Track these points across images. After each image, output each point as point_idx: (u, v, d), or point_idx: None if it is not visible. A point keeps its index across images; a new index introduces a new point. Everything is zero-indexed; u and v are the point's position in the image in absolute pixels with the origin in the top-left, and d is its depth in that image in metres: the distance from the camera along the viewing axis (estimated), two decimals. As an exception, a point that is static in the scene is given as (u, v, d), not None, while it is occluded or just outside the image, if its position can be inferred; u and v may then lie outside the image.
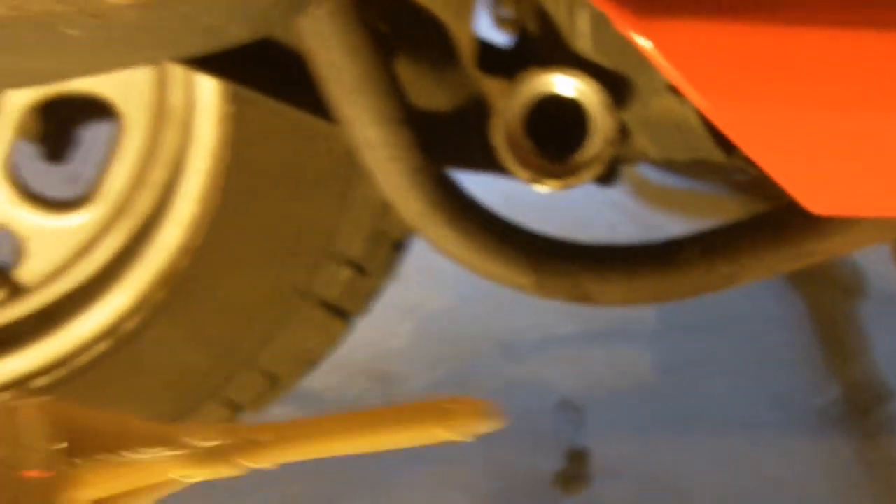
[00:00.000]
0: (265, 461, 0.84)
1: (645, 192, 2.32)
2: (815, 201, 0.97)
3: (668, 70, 0.90)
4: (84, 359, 1.42)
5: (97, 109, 1.55)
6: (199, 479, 0.83)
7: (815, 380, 1.88)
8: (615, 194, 2.27)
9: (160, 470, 0.82)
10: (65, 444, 0.80)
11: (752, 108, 0.92)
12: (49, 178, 1.51)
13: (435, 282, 2.10)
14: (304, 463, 1.71)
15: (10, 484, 0.79)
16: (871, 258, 2.06)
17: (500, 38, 1.29)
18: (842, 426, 1.79)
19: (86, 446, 0.81)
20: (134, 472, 0.82)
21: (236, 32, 0.82)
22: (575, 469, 1.73)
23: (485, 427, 0.88)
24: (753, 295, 1.98)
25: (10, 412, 0.81)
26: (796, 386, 1.87)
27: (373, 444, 0.88)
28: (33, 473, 0.79)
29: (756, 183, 1.98)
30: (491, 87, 1.12)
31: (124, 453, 0.81)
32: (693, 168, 2.19)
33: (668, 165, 1.18)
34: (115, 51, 0.82)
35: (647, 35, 0.90)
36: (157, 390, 1.44)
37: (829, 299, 2.04)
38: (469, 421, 0.88)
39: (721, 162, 1.09)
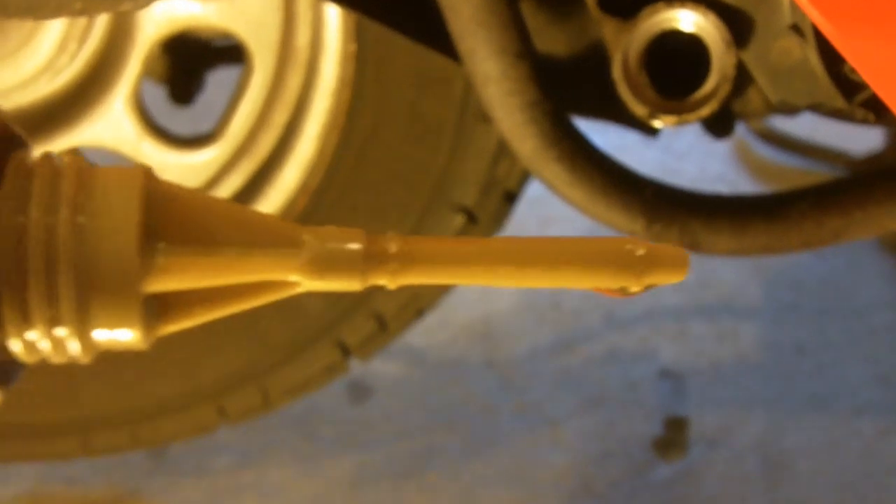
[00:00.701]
0: (394, 276, 0.77)
1: (754, 168, 2.32)
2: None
3: (796, -3, 0.90)
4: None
5: (221, 54, 1.58)
6: (310, 287, 0.77)
7: (921, 361, 1.87)
8: (723, 168, 2.28)
9: (264, 269, 0.75)
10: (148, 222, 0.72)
11: (879, 34, 0.92)
12: (173, 119, 1.54)
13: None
14: (402, 418, 1.75)
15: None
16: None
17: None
18: (945, 407, 1.78)
19: (176, 231, 0.74)
20: (237, 269, 0.75)
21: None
22: (673, 436, 1.74)
23: (670, 279, 0.79)
24: (860, 275, 1.98)
25: (89, 174, 0.74)
26: (902, 367, 1.86)
27: (531, 276, 0.79)
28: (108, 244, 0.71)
29: (869, 160, 1.98)
30: (611, 28, 1.13)
31: (222, 244, 0.74)
32: (805, 147, 2.19)
33: (786, 111, 1.17)
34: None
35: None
36: (272, 328, 1.47)
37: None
38: (660, 270, 0.78)
39: (840, 108, 1.09)
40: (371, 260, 0.76)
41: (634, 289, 0.78)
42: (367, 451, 1.72)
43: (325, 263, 0.75)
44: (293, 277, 0.76)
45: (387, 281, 0.77)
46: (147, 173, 0.75)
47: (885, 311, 1.97)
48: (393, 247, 0.76)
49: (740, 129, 2.26)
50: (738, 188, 2.25)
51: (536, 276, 0.78)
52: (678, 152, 2.37)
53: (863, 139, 2.14)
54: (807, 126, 2.05)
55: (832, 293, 2.02)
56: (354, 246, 0.76)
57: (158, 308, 0.75)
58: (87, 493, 1.66)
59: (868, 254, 2.08)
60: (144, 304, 0.73)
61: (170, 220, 0.74)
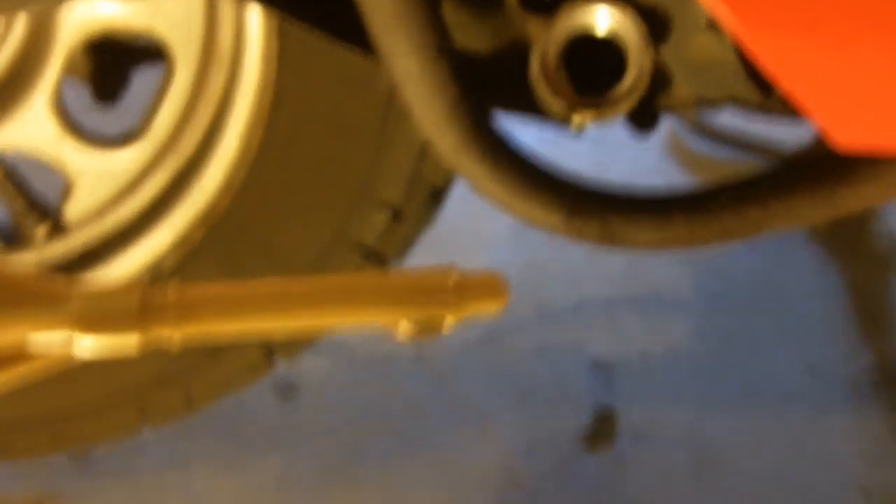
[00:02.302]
0: (176, 326, 0.71)
1: (687, 161, 2.33)
2: (842, 135, 0.98)
3: (704, -4, 0.91)
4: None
5: (144, 52, 1.57)
6: (86, 352, 0.71)
7: (848, 351, 1.89)
8: (656, 161, 2.29)
9: (34, 327, 0.69)
10: None
11: (786, 33, 0.93)
12: (96, 119, 1.53)
13: (474, 243, 2.12)
14: (329, 415, 1.74)
15: None
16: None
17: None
18: (874, 397, 1.80)
19: None
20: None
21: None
22: (601, 428, 1.75)
23: (487, 309, 0.74)
24: (790, 267, 1.99)
25: None
26: (830, 356, 1.88)
27: (334, 314, 0.74)
28: None
29: (801, 152, 2.00)
30: (531, 24, 1.13)
31: None
32: (738, 139, 2.21)
33: (707, 106, 1.18)
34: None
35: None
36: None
37: (865, 271, 2.05)
38: (472, 301, 0.74)
39: (757, 102, 1.10)
40: (148, 310, 0.71)
41: (449, 321, 0.74)
42: (294, 450, 1.72)
43: (96, 316, 0.70)
44: (65, 334, 0.70)
45: (169, 331, 0.71)
46: None
47: (814, 301, 1.99)
48: (171, 294, 0.72)
49: (673, 123, 2.27)
50: (672, 181, 2.26)
51: (341, 313, 0.74)
52: (611, 145, 2.37)
53: (795, 130, 2.15)
54: (740, 118, 2.06)
55: (761, 284, 2.04)
56: (128, 297, 0.71)
57: None
58: (8, 497, 1.64)
59: (797, 245, 2.10)
60: None
61: None
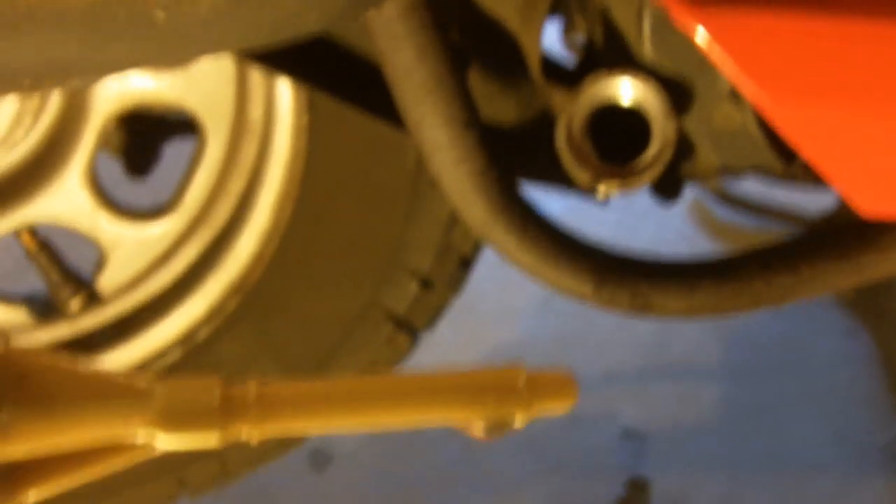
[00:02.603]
0: (256, 425, 0.71)
1: (712, 229, 2.34)
2: (866, 204, 0.99)
3: (724, 66, 0.92)
4: (157, 367, 1.45)
5: (176, 126, 1.60)
6: (167, 445, 0.71)
7: (879, 419, 1.88)
8: (682, 227, 2.29)
9: (115, 425, 0.70)
10: None
11: (810, 104, 0.94)
12: (129, 192, 1.55)
13: (505, 315, 2.13)
14: (362, 486, 1.75)
15: None
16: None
17: (569, 58, 1.32)
18: (905, 465, 1.79)
19: (16, 393, 0.69)
20: (80, 425, 0.69)
21: (314, 20, 0.85)
22: (634, 498, 1.74)
23: (558, 408, 0.75)
24: (818, 333, 1.99)
25: None
26: (861, 424, 1.87)
27: (409, 413, 0.74)
28: None
29: (824, 220, 2.00)
30: (556, 96, 1.15)
31: (69, 403, 0.69)
32: (761, 207, 2.21)
33: (730, 174, 1.19)
34: (194, 37, 0.85)
35: (705, 28, 0.93)
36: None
37: (894, 337, 2.04)
38: (543, 400, 0.75)
39: (779, 171, 1.11)
40: (229, 407, 0.71)
41: (518, 423, 0.74)
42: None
43: (178, 415, 0.70)
44: (145, 433, 0.70)
45: (248, 432, 0.72)
46: None
47: (843, 367, 1.98)
48: (251, 392, 0.71)
49: (697, 191, 2.28)
50: (697, 247, 2.27)
51: (415, 412, 0.74)
52: (637, 212, 2.38)
53: (818, 198, 2.16)
54: (763, 186, 2.07)
55: (790, 351, 2.04)
56: (210, 394, 0.71)
57: (10, 478, 0.71)
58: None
59: (825, 311, 2.10)
60: None
61: (12, 385, 0.69)
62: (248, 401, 0.71)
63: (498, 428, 0.75)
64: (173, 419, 0.70)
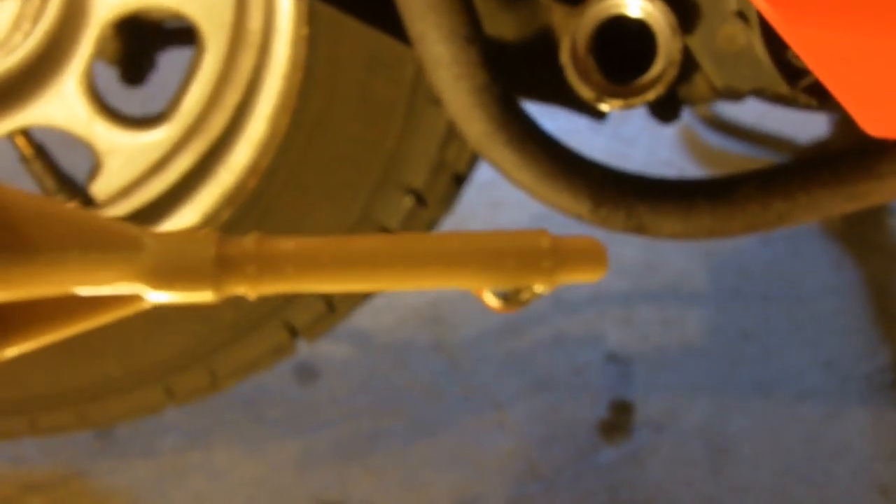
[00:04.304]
0: (254, 282, 0.66)
1: (701, 155, 2.34)
2: (873, 122, 0.99)
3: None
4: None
5: (173, 36, 1.59)
6: (158, 299, 0.66)
7: (865, 347, 1.89)
8: (671, 154, 2.30)
9: (96, 276, 0.65)
10: None
11: (820, 21, 0.93)
12: (124, 100, 1.54)
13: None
14: (348, 400, 1.76)
15: None
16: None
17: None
18: (889, 392, 1.80)
19: (4, 238, 0.64)
20: (62, 273, 0.64)
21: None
22: (618, 420, 1.75)
23: (584, 277, 0.69)
24: (806, 261, 2.00)
25: None
26: (846, 352, 1.88)
27: (419, 276, 0.68)
28: None
29: (815, 148, 2.01)
30: (560, 13, 1.15)
31: (53, 248, 0.64)
32: (751, 134, 2.22)
33: (731, 96, 1.19)
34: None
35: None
36: (219, 309, 1.47)
37: (882, 267, 2.05)
38: (568, 267, 0.68)
39: (784, 93, 1.11)
40: (225, 263, 0.66)
41: (539, 289, 0.70)
42: (313, 433, 1.73)
43: (171, 268, 0.65)
44: (135, 286, 0.66)
45: (246, 288, 0.67)
46: None
47: (829, 296, 1.99)
48: (250, 246, 0.67)
49: (687, 116, 2.28)
50: (686, 173, 2.27)
51: (425, 276, 0.69)
52: (626, 138, 2.38)
53: (808, 126, 2.16)
54: (753, 113, 2.07)
55: (776, 279, 2.05)
56: (205, 248, 0.66)
57: None
58: (32, 473, 1.65)
59: (812, 240, 2.11)
60: None
61: None
62: (246, 254, 0.67)
63: (516, 297, 0.71)
64: (165, 272, 0.65)
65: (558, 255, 0.70)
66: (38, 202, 0.68)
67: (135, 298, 0.67)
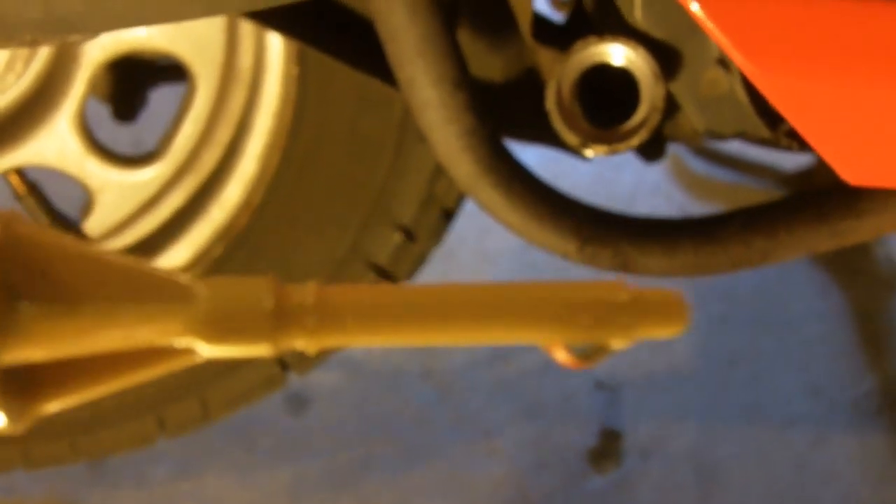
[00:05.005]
0: (313, 336, 0.62)
1: (688, 181, 2.35)
2: (850, 171, 1.01)
3: (716, 34, 0.94)
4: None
5: (165, 73, 1.60)
6: (211, 353, 0.62)
7: (852, 372, 1.90)
8: (658, 179, 2.31)
9: (145, 328, 0.60)
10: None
11: (796, 74, 0.95)
12: (116, 138, 1.56)
13: (484, 263, 2.14)
14: (339, 428, 1.77)
15: None
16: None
17: (556, 16, 1.34)
18: (876, 418, 1.81)
19: (41, 287, 0.59)
20: (109, 326, 0.60)
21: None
22: (607, 447, 1.77)
23: (664, 332, 0.64)
24: (793, 288, 2.01)
25: None
26: (832, 378, 1.90)
27: (486, 330, 0.63)
28: None
29: (800, 176, 2.02)
30: (546, 57, 1.16)
31: (98, 299, 0.59)
32: (737, 162, 2.23)
33: (714, 138, 1.21)
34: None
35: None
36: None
37: (868, 293, 2.06)
38: (647, 322, 0.64)
39: (765, 136, 1.13)
40: (283, 315, 0.62)
41: (617, 345, 0.67)
42: (304, 462, 1.74)
43: (226, 321, 0.61)
44: (186, 339, 0.62)
45: (305, 342, 0.64)
46: (8, 220, 0.61)
47: (816, 322, 2.00)
48: (310, 297, 0.63)
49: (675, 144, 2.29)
50: (673, 200, 2.28)
51: (495, 328, 0.64)
52: (615, 163, 2.39)
53: (793, 155, 2.18)
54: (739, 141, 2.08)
55: (764, 305, 2.06)
56: (262, 299, 0.62)
57: (27, 384, 0.63)
58: (25, 503, 1.66)
59: (799, 266, 2.12)
60: (4, 379, 0.60)
61: (33, 276, 0.60)
62: (305, 306, 0.62)
63: (592, 352, 0.66)
64: (219, 324, 0.61)
65: (637, 309, 0.67)
66: (82, 248, 0.63)
67: (186, 352, 0.64)
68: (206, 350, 0.63)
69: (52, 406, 0.64)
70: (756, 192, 2.20)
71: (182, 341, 0.62)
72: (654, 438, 1.78)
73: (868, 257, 2.12)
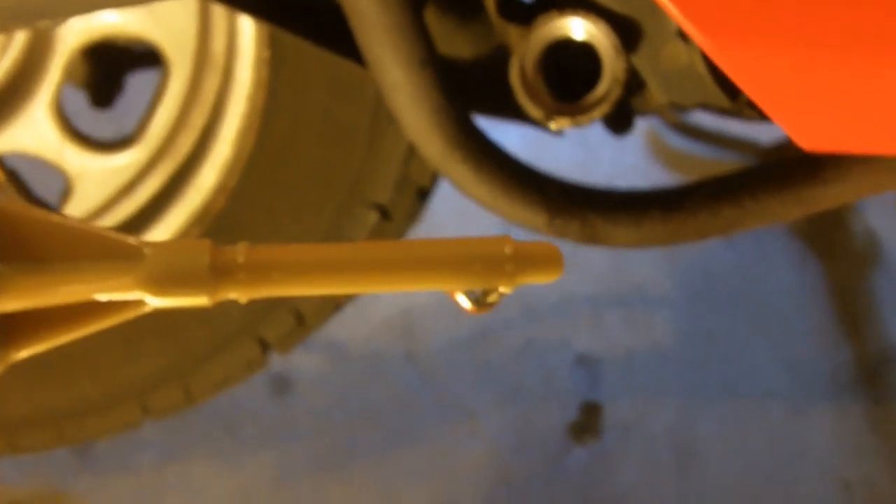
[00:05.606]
0: (245, 288, 0.73)
1: (667, 159, 2.36)
2: (805, 137, 1.02)
3: (671, 9, 0.96)
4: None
5: (140, 59, 1.61)
6: (158, 304, 0.73)
7: (828, 346, 1.92)
8: (634, 158, 2.32)
9: (100, 285, 0.71)
10: None
11: (749, 46, 0.97)
12: (93, 123, 1.57)
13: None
14: (323, 412, 1.78)
15: None
16: (884, 227, 2.09)
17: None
18: (852, 391, 1.83)
19: (17, 249, 0.71)
20: (73, 282, 0.71)
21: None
22: (587, 421, 1.78)
23: (544, 278, 0.75)
24: (770, 264, 2.02)
25: None
26: (809, 352, 1.91)
27: (395, 280, 0.75)
28: None
29: (778, 150, 2.03)
30: (511, 33, 1.18)
31: (63, 259, 0.71)
32: (716, 137, 2.24)
33: (678, 110, 1.22)
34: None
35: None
36: (191, 327, 1.50)
37: (844, 268, 2.08)
38: (529, 269, 0.74)
39: (726, 107, 1.14)
40: (218, 272, 0.73)
41: (503, 289, 0.77)
42: (289, 446, 1.76)
43: (168, 277, 0.72)
44: (135, 293, 0.73)
45: (238, 293, 0.74)
46: None
47: (793, 297, 2.02)
48: (240, 257, 0.74)
49: (652, 121, 2.30)
50: (652, 178, 2.29)
51: (401, 279, 0.75)
52: (593, 144, 2.41)
53: (771, 129, 2.19)
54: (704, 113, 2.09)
55: (742, 281, 2.07)
56: (199, 258, 0.73)
57: (3, 333, 0.74)
58: (12, 492, 1.67)
59: (777, 241, 2.13)
60: None
61: (5, 240, 0.72)
62: (237, 263, 0.73)
63: (484, 299, 0.76)
64: (163, 281, 0.72)
65: (519, 259, 0.75)
66: (47, 215, 0.73)
67: (137, 304, 0.73)
68: (154, 301, 0.73)
69: (25, 351, 0.75)
70: (733, 167, 2.20)
71: (133, 294, 0.72)
72: (633, 413, 1.79)
73: (844, 232, 2.14)
